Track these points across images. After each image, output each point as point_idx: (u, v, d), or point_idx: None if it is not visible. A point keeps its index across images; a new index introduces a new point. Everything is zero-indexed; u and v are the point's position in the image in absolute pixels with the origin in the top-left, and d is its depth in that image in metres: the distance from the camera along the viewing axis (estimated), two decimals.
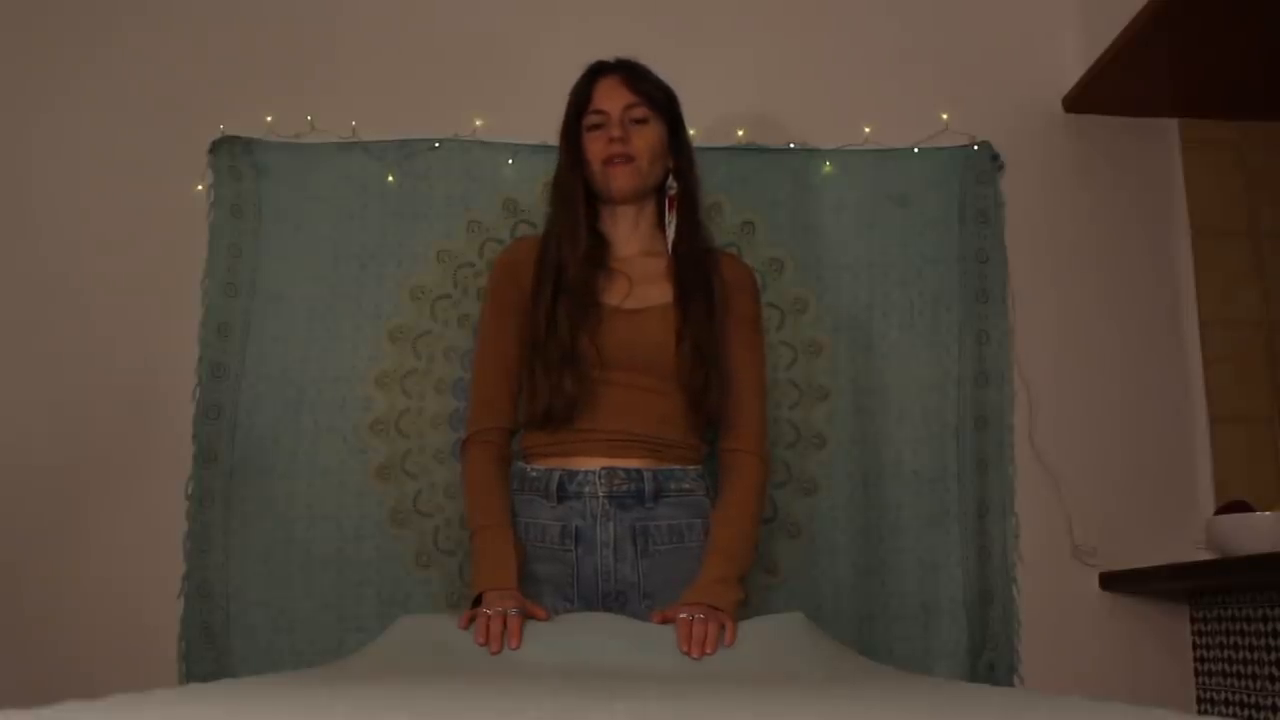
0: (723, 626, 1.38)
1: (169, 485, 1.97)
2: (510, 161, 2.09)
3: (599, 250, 1.70)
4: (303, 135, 2.10)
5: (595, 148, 1.69)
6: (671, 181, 1.73)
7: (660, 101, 1.71)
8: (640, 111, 1.68)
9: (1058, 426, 2.09)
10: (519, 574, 1.55)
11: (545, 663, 1.30)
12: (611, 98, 1.69)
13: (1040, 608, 2.03)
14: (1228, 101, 2.14)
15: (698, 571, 1.56)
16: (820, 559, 1.99)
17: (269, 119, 2.10)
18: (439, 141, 2.10)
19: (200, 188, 2.09)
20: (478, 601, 1.50)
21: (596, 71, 1.72)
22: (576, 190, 1.71)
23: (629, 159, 1.67)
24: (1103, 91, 2.12)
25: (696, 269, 1.69)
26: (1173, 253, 2.18)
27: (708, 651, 1.34)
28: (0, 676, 1.90)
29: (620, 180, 1.68)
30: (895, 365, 2.07)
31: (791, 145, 2.13)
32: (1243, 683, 1.93)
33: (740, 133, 2.13)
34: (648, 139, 1.68)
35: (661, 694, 1.01)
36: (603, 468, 1.62)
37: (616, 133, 1.67)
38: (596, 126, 1.69)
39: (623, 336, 1.64)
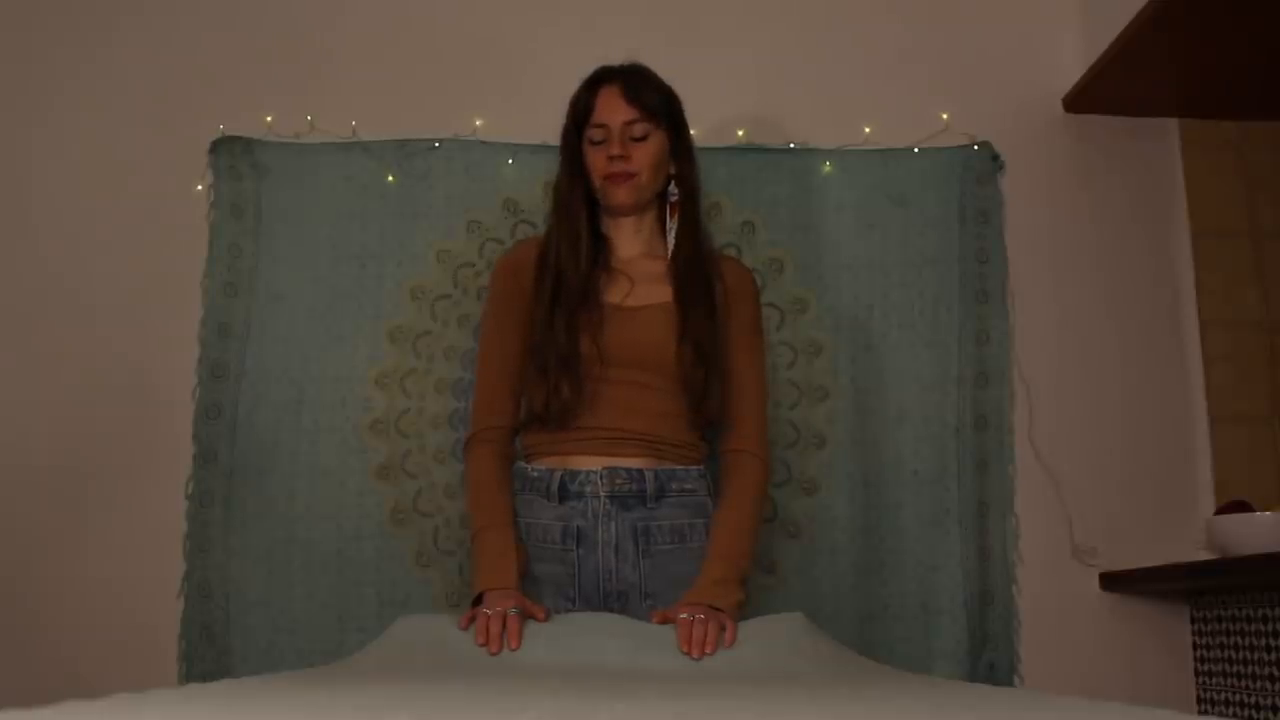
0: (723, 627, 1.38)
1: (169, 485, 1.97)
2: (510, 161, 2.09)
3: (601, 251, 1.71)
4: (303, 135, 2.10)
5: (596, 163, 1.68)
6: (673, 188, 1.73)
7: (661, 111, 1.69)
8: (640, 129, 1.67)
9: (1058, 426, 2.09)
10: (521, 575, 1.55)
11: (545, 663, 1.30)
12: (612, 112, 1.67)
13: (1040, 608, 2.03)
14: (1228, 101, 2.14)
15: (699, 572, 1.56)
16: (820, 559, 1.99)
17: (269, 119, 2.10)
18: (439, 141, 2.10)
19: (200, 188, 2.09)
20: (478, 601, 1.50)
21: (597, 81, 1.71)
22: (576, 199, 1.71)
23: (629, 176, 1.67)
24: (1103, 91, 2.12)
25: (697, 271, 1.69)
26: (1173, 253, 2.18)
27: (707, 652, 1.34)
28: (0, 676, 1.90)
29: (621, 196, 1.68)
30: (895, 365, 2.07)
31: (791, 145, 2.13)
32: (1243, 683, 1.93)
33: (740, 133, 2.13)
34: (648, 153, 1.67)
35: (661, 694, 1.01)
36: (604, 468, 1.62)
37: (616, 151, 1.66)
38: (597, 141, 1.68)
39: (623, 334, 1.64)
